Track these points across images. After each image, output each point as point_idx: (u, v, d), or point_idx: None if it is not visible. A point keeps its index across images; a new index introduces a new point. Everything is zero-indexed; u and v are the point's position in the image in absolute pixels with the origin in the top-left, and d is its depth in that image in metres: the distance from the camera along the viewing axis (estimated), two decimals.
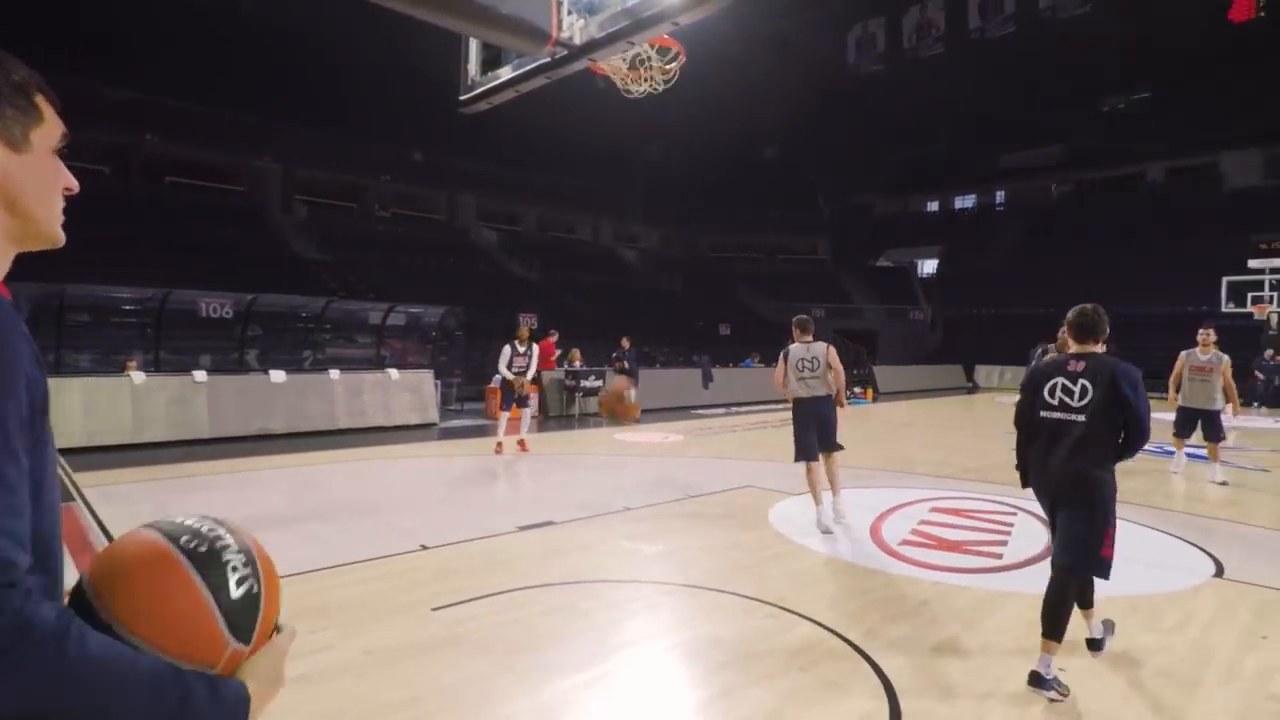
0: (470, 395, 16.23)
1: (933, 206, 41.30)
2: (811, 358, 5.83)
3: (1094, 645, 3.38)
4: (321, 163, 26.87)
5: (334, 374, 11.91)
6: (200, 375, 10.36)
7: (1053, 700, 2.90)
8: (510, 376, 9.30)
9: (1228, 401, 7.80)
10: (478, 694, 2.92)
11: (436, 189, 30.16)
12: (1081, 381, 3.10)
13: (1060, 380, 3.17)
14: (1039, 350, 10.05)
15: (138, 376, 9.84)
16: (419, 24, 3.70)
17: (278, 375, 11.18)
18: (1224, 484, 7.58)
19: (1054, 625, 3.02)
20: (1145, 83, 34.27)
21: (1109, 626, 3.50)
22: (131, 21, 22.10)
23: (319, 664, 3.12)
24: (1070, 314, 3.32)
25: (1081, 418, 3.06)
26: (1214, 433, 7.80)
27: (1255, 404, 18.12)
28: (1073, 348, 3.24)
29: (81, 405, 9.16)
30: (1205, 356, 7.80)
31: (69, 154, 0.90)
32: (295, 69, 25.03)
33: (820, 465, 5.83)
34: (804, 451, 5.80)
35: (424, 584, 4.23)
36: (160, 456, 8.77)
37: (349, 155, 27.15)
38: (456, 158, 28.85)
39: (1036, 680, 2.95)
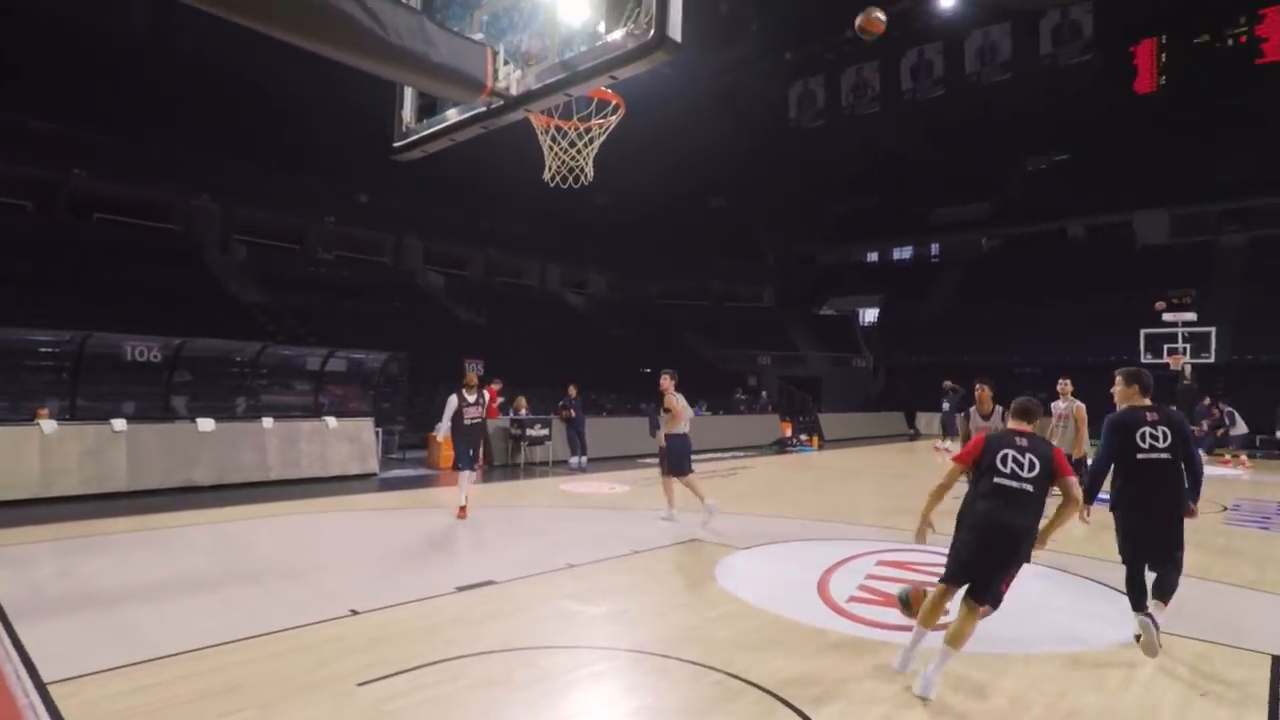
0: (413, 443, 15.76)
1: (872, 257, 42.78)
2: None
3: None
4: (262, 202, 26.25)
5: (267, 422, 11.41)
6: (119, 424, 9.77)
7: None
8: (446, 430, 8.26)
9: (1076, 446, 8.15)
10: None
11: (382, 231, 29.78)
12: (1162, 428, 4.10)
13: (1145, 429, 4.13)
14: (952, 395, 10.49)
15: (48, 425, 9.21)
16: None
17: (205, 423, 10.64)
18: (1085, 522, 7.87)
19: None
20: (1063, 146, 36.66)
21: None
22: (61, 53, 21.43)
23: None
24: (1123, 371, 4.45)
25: (1167, 455, 4.10)
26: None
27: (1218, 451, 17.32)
28: (1142, 400, 4.26)
29: None
30: (1064, 405, 8.21)
31: None
32: (237, 107, 24.60)
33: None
34: None
35: (350, 654, 3.96)
36: (70, 513, 8.16)
37: (291, 195, 26.61)
38: (402, 200, 28.60)
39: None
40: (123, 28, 24.04)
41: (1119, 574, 4.28)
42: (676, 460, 7.97)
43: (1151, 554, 4.17)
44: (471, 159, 29.38)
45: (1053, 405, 8.58)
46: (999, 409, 6.97)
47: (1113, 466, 4.24)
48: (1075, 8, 33.35)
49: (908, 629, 4.52)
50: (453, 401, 8.28)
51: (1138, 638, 4.12)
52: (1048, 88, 34.34)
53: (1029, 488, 3.64)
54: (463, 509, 8.17)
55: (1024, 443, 3.74)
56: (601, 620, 4.74)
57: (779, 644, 4.27)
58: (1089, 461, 8.57)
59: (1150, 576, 4.20)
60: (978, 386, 7.60)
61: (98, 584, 5.41)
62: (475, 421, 8.35)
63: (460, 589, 5.31)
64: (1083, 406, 8.26)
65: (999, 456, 3.72)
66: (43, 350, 14.81)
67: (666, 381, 8.15)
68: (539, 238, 33.86)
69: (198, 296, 20.92)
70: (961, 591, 3.77)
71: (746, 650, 4.12)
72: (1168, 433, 4.06)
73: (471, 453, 8.35)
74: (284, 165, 25.83)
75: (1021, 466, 3.67)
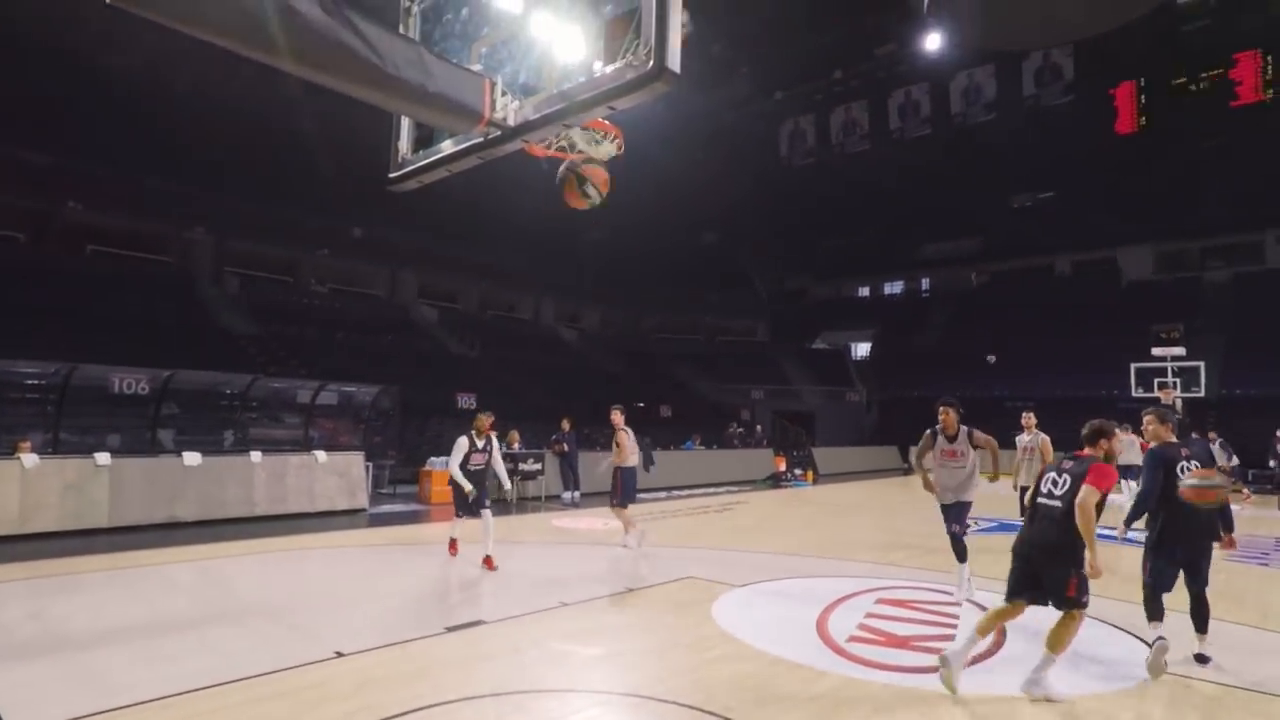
0: (404, 478, 15.54)
1: (864, 292, 43.12)
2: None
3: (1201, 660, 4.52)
4: (256, 235, 26.28)
5: (255, 456, 11.22)
6: (103, 458, 9.58)
7: None
8: (463, 482, 7.41)
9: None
10: None
11: (376, 265, 29.81)
12: (1194, 462, 4.57)
13: (1183, 463, 4.55)
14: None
15: (29, 459, 9.01)
16: (354, 100, 3.64)
17: (192, 457, 10.45)
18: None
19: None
20: (1048, 184, 37.35)
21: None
22: (57, 86, 21.57)
23: None
24: (1154, 411, 4.88)
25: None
26: None
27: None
28: (1170, 437, 4.73)
29: None
30: (1028, 438, 8.30)
31: None
32: (231, 141, 24.74)
33: None
34: None
35: (334, 701, 3.80)
36: (48, 550, 7.95)
37: (285, 228, 26.67)
38: (397, 233, 28.70)
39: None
40: (121, 63, 24.27)
41: (1126, 611, 4.22)
42: (629, 491, 8.64)
43: (1188, 574, 4.61)
44: (468, 193, 29.62)
45: (1017, 439, 8.61)
46: (964, 429, 6.38)
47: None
48: (1056, 50, 34.28)
49: (910, 670, 4.40)
50: (462, 444, 7.55)
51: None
52: (1032, 127, 35.16)
53: (1057, 504, 4.06)
54: (454, 542, 7.92)
55: (1069, 464, 4.16)
56: (596, 662, 4.59)
57: (778, 687, 4.14)
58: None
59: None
60: (941, 409, 6.74)
61: (70, 625, 5.22)
62: (478, 469, 7.64)
63: (450, 629, 5.16)
64: (1047, 439, 8.32)
65: (1043, 480, 4.26)
66: (29, 382, 14.62)
67: (617, 416, 8.71)
68: (534, 272, 33.99)
69: (188, 329, 20.79)
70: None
71: (745, 693, 3.98)
72: (1199, 466, 4.53)
73: (472, 500, 7.51)
74: (279, 198, 25.93)
75: (1056, 485, 4.13)
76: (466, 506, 7.58)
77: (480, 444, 7.63)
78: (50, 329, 17.37)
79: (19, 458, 9.06)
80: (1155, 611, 4.53)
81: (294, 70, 2.38)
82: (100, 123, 22.42)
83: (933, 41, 33.78)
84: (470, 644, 4.87)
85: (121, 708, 3.63)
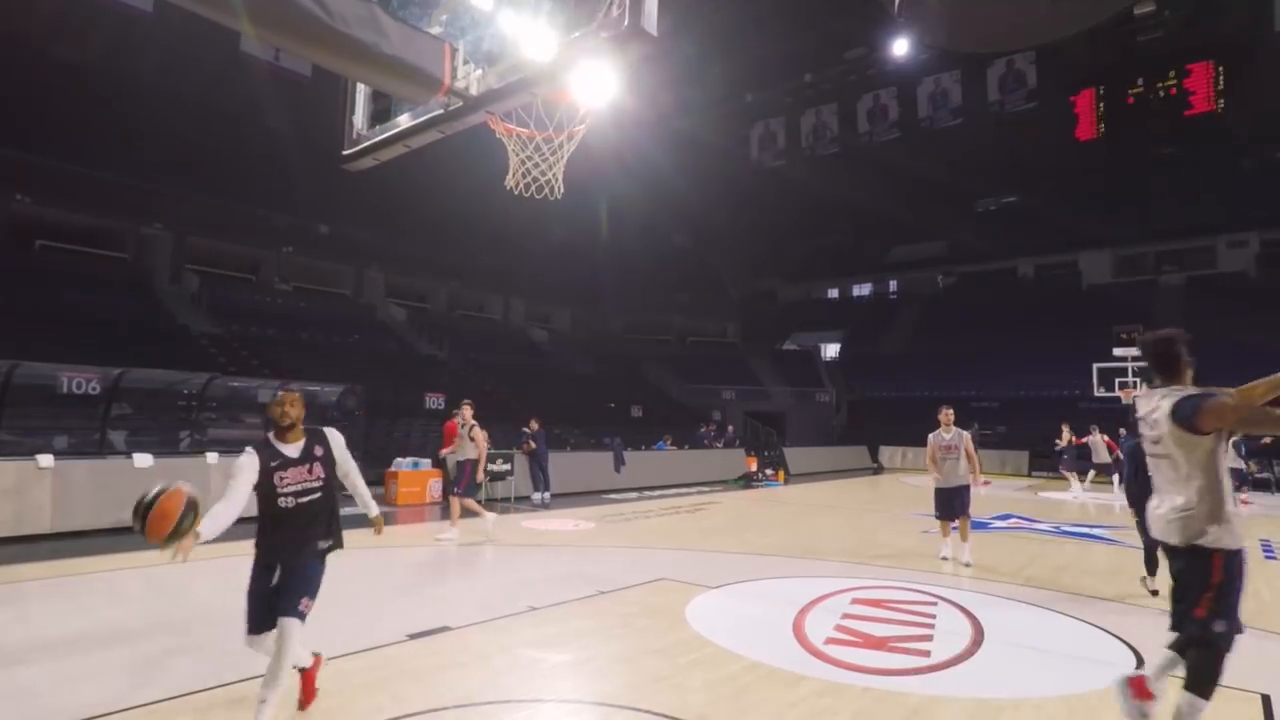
0: (369, 479, 15.08)
1: (833, 293, 43.47)
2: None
3: None
4: (217, 232, 25.48)
5: (211, 457, 10.77)
6: (45, 459, 9.09)
7: None
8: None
9: (971, 474, 7.93)
10: None
11: (342, 263, 29.16)
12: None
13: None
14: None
15: None
16: (322, 92, 3.43)
17: (143, 459, 9.97)
18: (968, 565, 7.62)
19: None
20: (1012, 188, 38.05)
21: None
22: (8, 77, 20.68)
23: None
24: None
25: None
26: (964, 507, 7.85)
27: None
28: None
29: None
30: (949, 435, 7.96)
31: None
32: (191, 135, 24.02)
33: None
34: None
35: (285, 715, 3.55)
36: None
37: (248, 225, 25.94)
38: (364, 232, 28.12)
39: None
40: (77, 54, 23.41)
41: (1102, 610, 4.14)
42: (474, 482, 9.30)
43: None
44: (437, 192, 29.14)
45: (931, 436, 8.01)
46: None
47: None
48: (1019, 57, 34.99)
49: (890, 672, 4.28)
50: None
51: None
52: (996, 133, 35.79)
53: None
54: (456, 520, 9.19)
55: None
56: (566, 669, 4.40)
57: (755, 692, 3.99)
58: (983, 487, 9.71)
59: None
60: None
61: (0, 639, 4.86)
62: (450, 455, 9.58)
63: (412, 636, 4.92)
64: (968, 435, 7.94)
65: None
66: None
67: (468, 411, 9.31)
68: (503, 272, 33.58)
69: (145, 327, 20.04)
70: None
71: (721, 700, 3.83)
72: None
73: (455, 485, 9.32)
74: (241, 195, 25.22)
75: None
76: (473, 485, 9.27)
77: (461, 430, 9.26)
78: None
79: None
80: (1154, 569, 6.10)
81: (230, 22, 2.16)
82: (54, 114, 21.56)
83: (901, 46, 34.23)
84: (434, 652, 4.64)
85: None
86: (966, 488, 7.88)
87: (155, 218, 24.23)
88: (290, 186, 25.31)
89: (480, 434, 9.29)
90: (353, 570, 7.51)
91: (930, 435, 8.08)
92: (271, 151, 25.43)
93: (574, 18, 2.40)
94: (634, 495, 15.50)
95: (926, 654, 4.67)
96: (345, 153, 3.29)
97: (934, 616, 5.59)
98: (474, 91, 2.64)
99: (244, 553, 3.71)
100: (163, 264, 24.41)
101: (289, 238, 27.25)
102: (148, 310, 21.71)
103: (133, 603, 6.06)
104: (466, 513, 9.37)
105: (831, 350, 39.12)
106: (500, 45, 2.67)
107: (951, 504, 7.90)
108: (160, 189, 23.70)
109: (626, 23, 2.17)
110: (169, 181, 23.69)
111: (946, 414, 7.93)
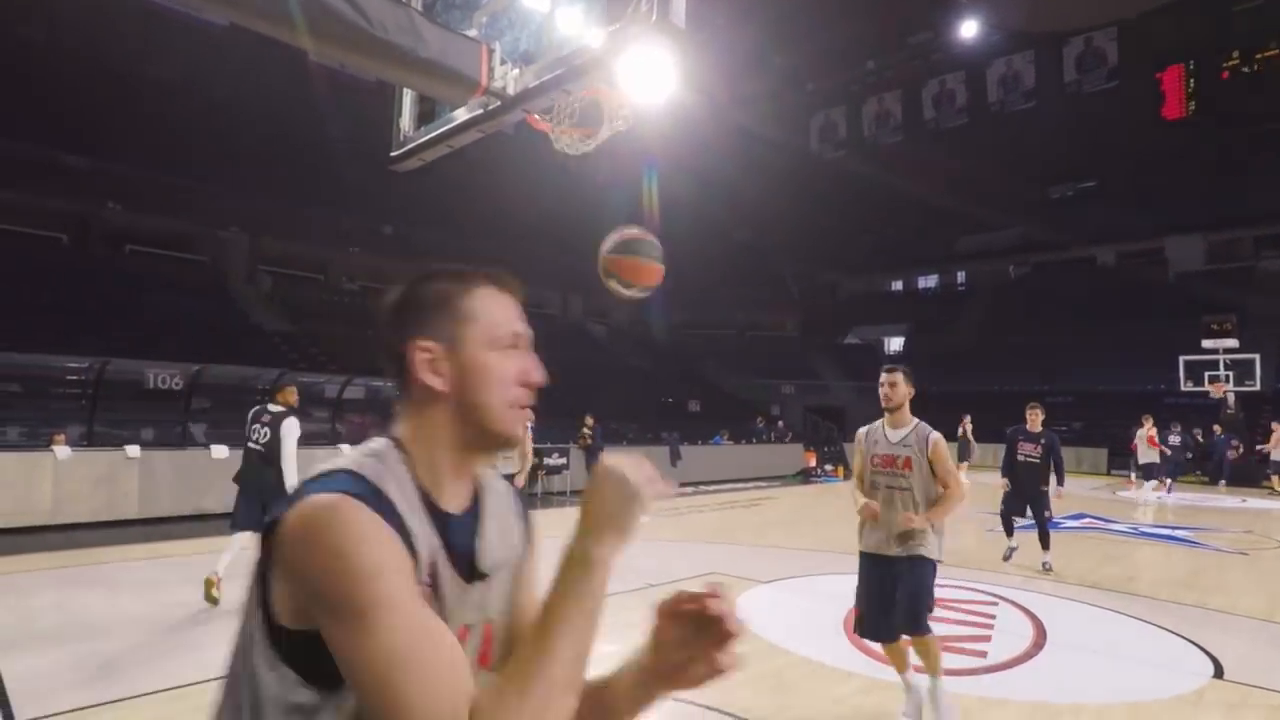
0: None
1: (897, 286, 42.28)
2: None
3: None
4: (288, 234, 26.67)
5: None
6: (133, 450, 9.71)
7: None
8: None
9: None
10: None
11: (406, 262, 30.07)
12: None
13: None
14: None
15: (62, 451, 9.17)
16: (387, 98, 3.56)
17: (219, 450, 10.55)
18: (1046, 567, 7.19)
19: None
20: (1090, 173, 36.13)
21: None
22: (96, 92, 22.11)
23: None
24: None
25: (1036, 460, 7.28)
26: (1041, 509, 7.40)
27: (1167, 479, 15.52)
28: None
29: None
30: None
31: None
32: (264, 143, 25.16)
33: None
34: None
35: None
36: (78, 540, 8.05)
37: (317, 227, 27.03)
38: (425, 231, 28.91)
39: None
40: (161, 71, 24.84)
41: (1167, 613, 3.92)
42: None
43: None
44: (495, 190, 29.61)
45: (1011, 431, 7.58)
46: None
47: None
48: (1099, 35, 33.22)
49: (944, 673, 4.16)
50: None
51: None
52: (1073, 115, 34.06)
53: None
54: None
55: None
56: (612, 659, 4.44)
57: (803, 688, 3.94)
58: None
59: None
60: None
61: (88, 615, 5.23)
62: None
63: None
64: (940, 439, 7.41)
65: None
66: (69, 378, 14.98)
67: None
68: (561, 268, 33.98)
69: (223, 326, 21.16)
70: None
71: (766, 694, 3.80)
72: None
73: None
74: (309, 198, 26.29)
75: None
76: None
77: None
78: (90, 326, 17.79)
79: (53, 450, 9.23)
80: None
81: (277, 34, 2.26)
82: (138, 127, 22.93)
83: (969, 28, 32.94)
84: None
85: (128, 698, 3.59)
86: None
87: (231, 222, 25.54)
88: (355, 189, 26.22)
89: (529, 446, 8.09)
90: None
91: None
92: (336, 156, 26.39)
93: (606, 14, 2.42)
94: (689, 490, 15.48)
95: (983, 654, 4.52)
96: (393, 154, 3.40)
97: (993, 617, 5.40)
98: (511, 90, 2.69)
99: None
100: (238, 266, 25.70)
101: (355, 238, 28.27)
102: (224, 309, 22.89)
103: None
104: None
105: (896, 344, 38.08)
106: (536, 44, 2.71)
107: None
108: (236, 195, 24.96)
109: (655, 16, 2.17)
110: (243, 186, 24.92)
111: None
